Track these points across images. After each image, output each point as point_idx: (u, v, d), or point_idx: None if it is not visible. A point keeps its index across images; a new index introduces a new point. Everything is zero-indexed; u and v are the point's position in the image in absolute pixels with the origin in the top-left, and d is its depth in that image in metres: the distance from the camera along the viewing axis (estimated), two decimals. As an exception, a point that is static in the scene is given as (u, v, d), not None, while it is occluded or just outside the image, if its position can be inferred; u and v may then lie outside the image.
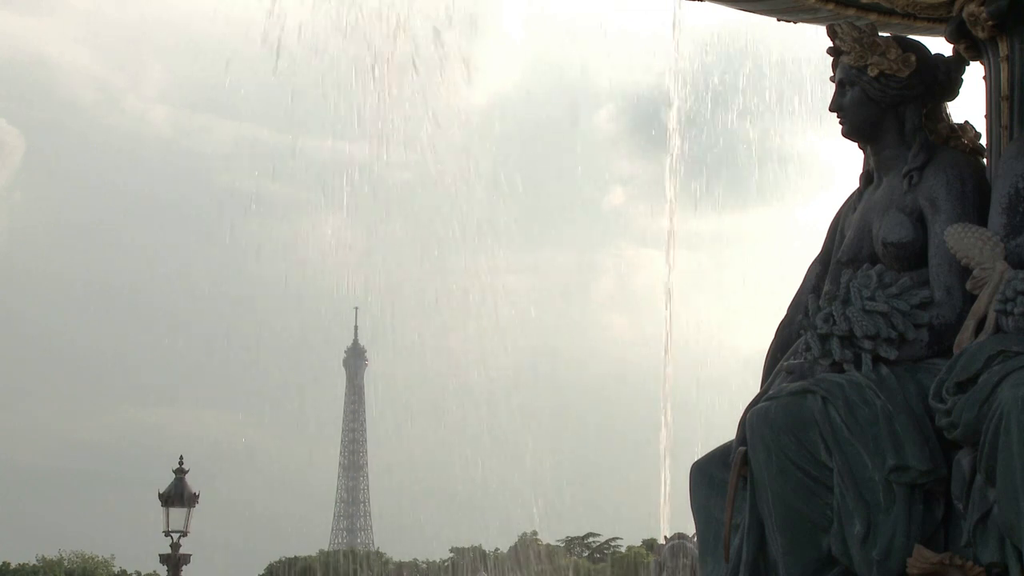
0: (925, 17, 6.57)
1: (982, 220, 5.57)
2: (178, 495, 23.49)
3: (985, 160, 6.02)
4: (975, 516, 5.06)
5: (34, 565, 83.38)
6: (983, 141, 6.08)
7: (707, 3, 7.04)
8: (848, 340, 5.47)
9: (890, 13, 6.62)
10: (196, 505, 23.77)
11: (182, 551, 23.60)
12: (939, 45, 6.21)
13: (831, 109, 6.02)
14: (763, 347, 6.14)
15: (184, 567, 23.98)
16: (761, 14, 7.18)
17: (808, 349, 5.59)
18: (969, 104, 6.22)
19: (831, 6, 6.67)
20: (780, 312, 6.16)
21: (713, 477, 5.82)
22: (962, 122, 6.09)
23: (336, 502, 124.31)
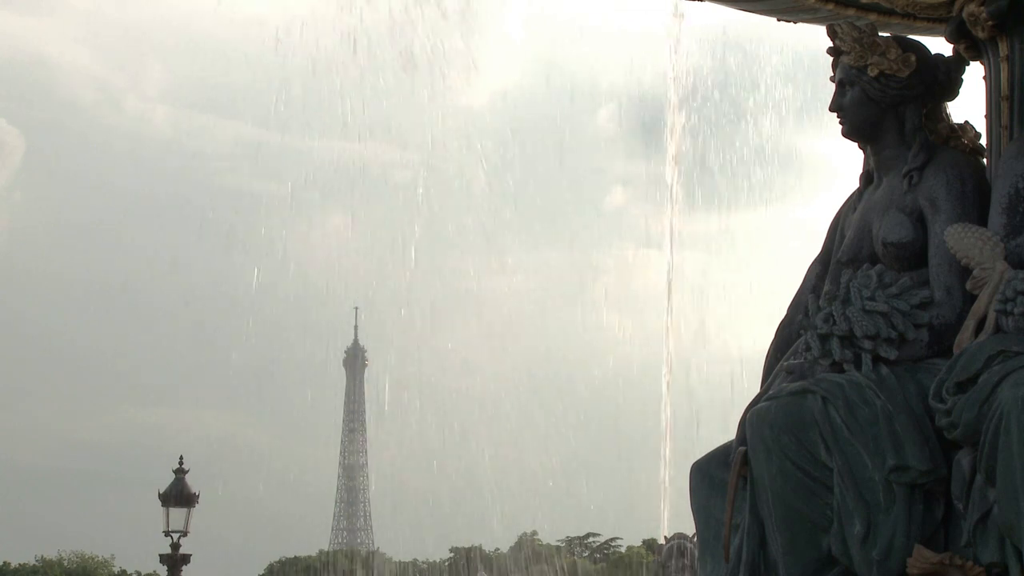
0: (925, 17, 6.57)
1: (982, 220, 5.57)
2: (178, 495, 23.49)
3: (985, 160, 6.03)
4: (975, 516, 5.06)
5: (33, 565, 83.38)
6: (983, 141, 6.09)
7: (707, 3, 7.04)
8: (848, 340, 5.47)
9: (890, 13, 6.62)
10: (196, 505, 23.77)
11: (182, 551, 23.60)
12: (939, 45, 6.21)
13: (831, 109, 6.02)
14: (763, 347, 6.14)
15: (184, 567, 23.98)
16: (761, 14, 7.18)
17: (808, 349, 5.59)
18: (969, 104, 6.23)
19: (831, 6, 6.67)
20: (780, 312, 6.16)
21: (713, 477, 5.82)
22: (962, 122, 6.09)
23: (336, 502, 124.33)
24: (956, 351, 5.30)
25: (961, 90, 6.11)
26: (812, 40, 7.12)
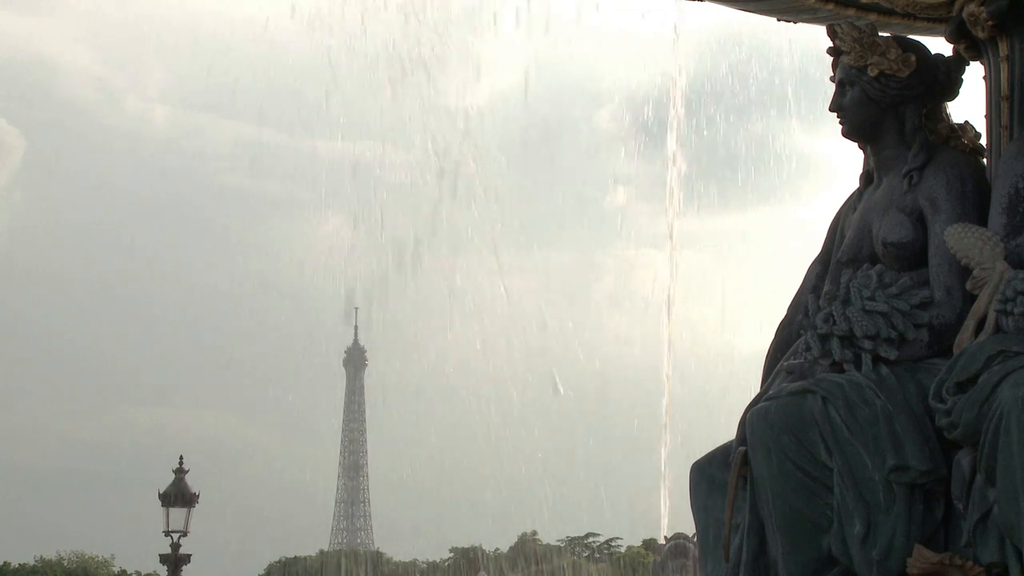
0: (925, 17, 6.57)
1: (982, 220, 5.57)
2: (178, 495, 23.50)
3: (985, 160, 6.03)
4: (975, 516, 5.06)
5: (33, 566, 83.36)
6: (983, 141, 6.09)
7: (707, 3, 7.04)
8: (848, 340, 5.47)
9: (890, 13, 6.62)
10: (196, 505, 23.78)
11: (182, 551, 23.60)
12: (939, 45, 6.21)
13: (831, 109, 6.02)
14: (763, 347, 6.14)
15: (184, 567, 23.98)
16: (761, 14, 7.18)
17: (808, 349, 5.59)
18: (969, 104, 6.22)
19: (831, 6, 6.67)
20: (780, 312, 6.16)
21: (713, 477, 5.82)
22: (962, 122, 6.09)
23: (336, 502, 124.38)
24: (956, 351, 5.30)
25: (961, 90, 6.11)
26: (812, 40, 7.13)
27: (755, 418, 5.47)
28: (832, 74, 6.05)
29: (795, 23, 7.17)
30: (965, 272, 5.46)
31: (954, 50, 6.22)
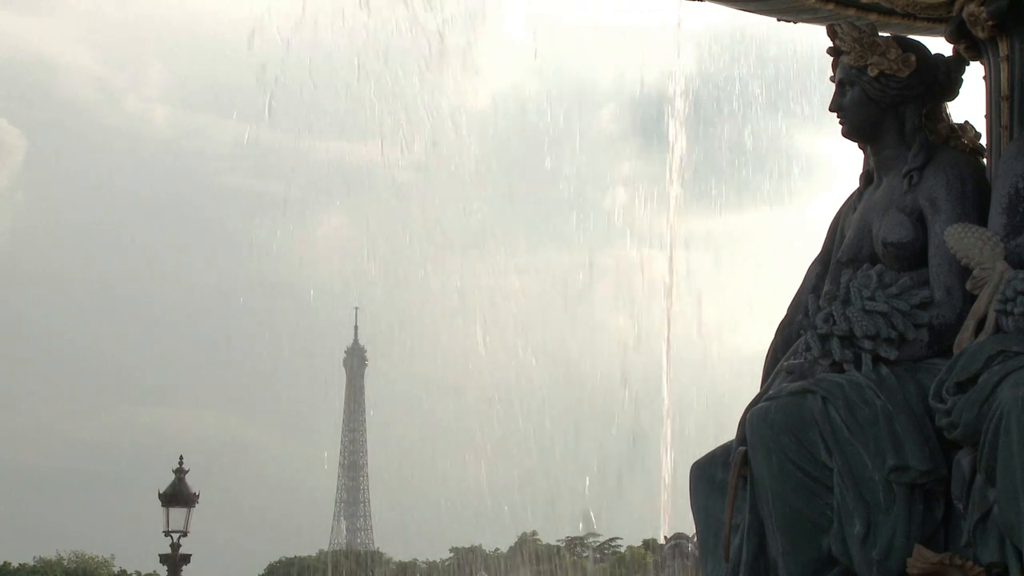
0: (925, 17, 6.57)
1: (982, 220, 5.57)
2: (178, 495, 23.50)
3: (985, 160, 6.02)
4: (975, 516, 5.06)
5: (33, 566, 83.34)
6: (983, 141, 6.08)
7: (707, 3, 7.04)
8: (848, 340, 5.46)
9: (890, 13, 6.62)
10: (196, 505, 23.77)
11: (182, 551, 23.60)
12: (939, 45, 6.21)
13: (831, 109, 6.02)
14: (763, 347, 6.14)
15: (184, 567, 23.98)
16: (761, 14, 7.18)
17: (808, 349, 5.59)
18: (969, 104, 6.22)
19: (831, 6, 6.67)
20: (780, 312, 6.16)
21: (713, 477, 5.82)
22: (962, 122, 6.08)
23: (336, 502, 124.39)
24: (956, 351, 5.30)
25: (961, 90, 6.10)
26: (813, 40, 7.12)
27: (755, 418, 5.47)
28: (832, 74, 6.04)
29: (795, 23, 7.16)
30: (965, 272, 5.45)
31: (954, 50, 6.22)
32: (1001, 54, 6.04)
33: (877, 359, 5.44)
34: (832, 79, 6.04)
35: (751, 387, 5.98)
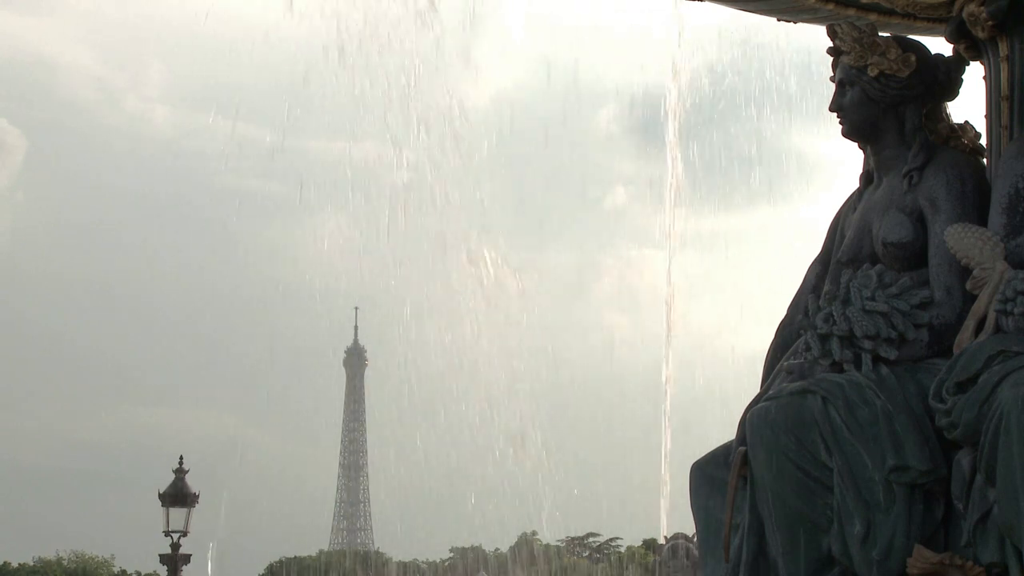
0: (925, 17, 6.57)
1: (982, 220, 5.57)
2: (178, 495, 23.49)
3: (985, 160, 6.03)
4: (975, 516, 5.06)
5: (32, 566, 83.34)
6: (983, 141, 6.09)
7: (707, 3, 7.04)
8: (848, 340, 5.47)
9: (890, 13, 6.62)
10: (196, 505, 23.77)
11: (182, 551, 23.60)
12: (939, 45, 6.21)
13: (831, 109, 6.02)
14: (763, 347, 6.14)
15: (184, 567, 23.98)
16: (761, 14, 7.18)
17: (808, 349, 5.59)
18: (969, 104, 6.22)
19: (831, 6, 6.67)
20: (780, 312, 6.16)
21: (713, 477, 5.82)
22: (962, 122, 6.09)
23: (336, 502, 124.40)
24: (956, 351, 5.30)
25: (961, 90, 6.10)
26: (813, 40, 7.12)
27: (755, 418, 5.47)
28: (832, 74, 6.05)
29: (795, 23, 7.17)
30: (965, 272, 5.46)
31: (954, 50, 6.22)
32: (1001, 54, 6.04)
33: (877, 359, 5.45)
34: (832, 79, 6.04)
35: (751, 387, 5.98)
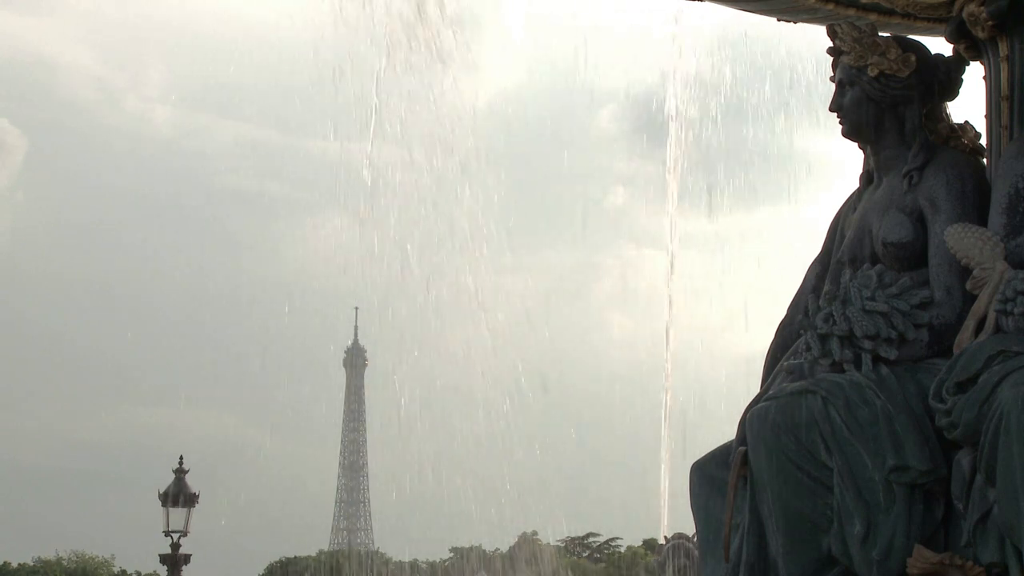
0: (925, 17, 6.57)
1: (982, 220, 5.57)
2: (178, 495, 23.50)
3: (985, 160, 6.03)
4: (975, 516, 5.06)
5: (32, 566, 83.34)
6: (983, 141, 6.09)
7: (707, 3, 7.04)
8: (848, 340, 5.47)
9: (890, 13, 6.62)
10: (196, 505, 23.78)
11: (182, 551, 23.60)
12: (939, 45, 6.21)
13: (831, 109, 6.02)
14: (763, 347, 6.14)
15: (184, 567, 23.98)
16: (761, 14, 7.18)
17: (808, 349, 5.59)
18: (969, 104, 6.22)
19: (831, 6, 6.67)
20: (780, 312, 6.16)
21: (713, 477, 5.82)
22: (962, 122, 6.09)
23: (336, 502, 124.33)
24: (956, 351, 5.30)
25: (961, 90, 6.10)
26: (812, 40, 7.12)
27: (755, 418, 5.47)
28: (832, 74, 6.05)
29: (795, 23, 7.17)
30: (965, 272, 5.46)
31: (954, 50, 6.22)
32: (1001, 54, 6.04)
33: (877, 359, 5.45)
34: (832, 79, 6.04)
35: (751, 387, 5.98)
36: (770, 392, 5.64)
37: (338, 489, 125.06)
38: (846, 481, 5.26)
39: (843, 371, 5.46)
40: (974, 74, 6.20)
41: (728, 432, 5.83)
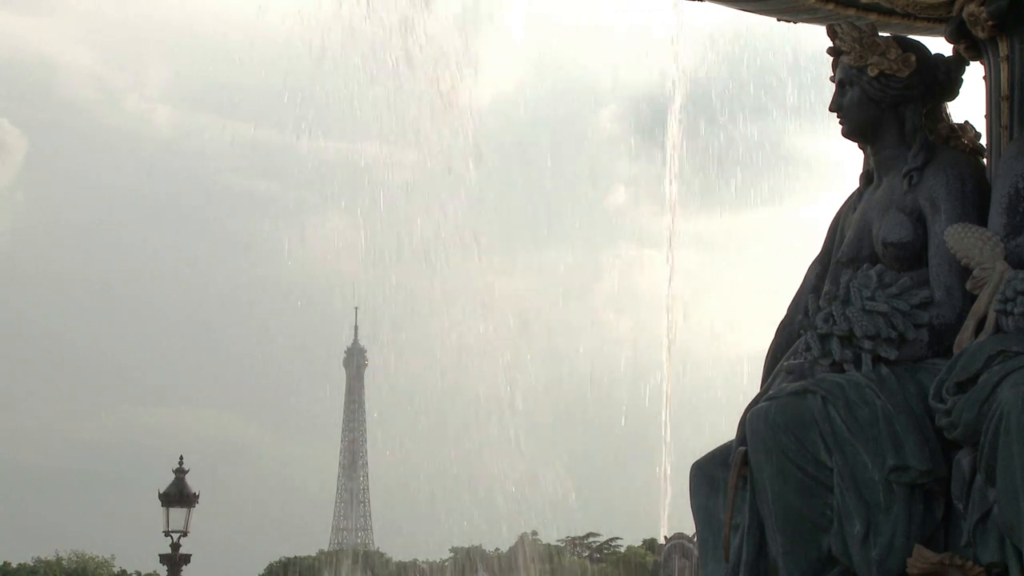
0: (925, 17, 6.57)
1: (982, 220, 5.57)
2: (178, 495, 23.49)
3: (985, 160, 6.03)
4: (975, 516, 5.06)
5: (32, 566, 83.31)
6: (983, 141, 6.08)
7: (707, 3, 7.04)
8: (848, 340, 5.47)
9: (890, 13, 6.62)
10: (196, 505, 23.77)
11: (182, 551, 23.60)
12: (939, 45, 6.21)
13: (831, 109, 6.02)
14: (763, 347, 6.14)
15: (184, 567, 23.98)
16: (761, 14, 7.18)
17: (808, 349, 5.59)
18: (969, 104, 6.22)
19: (831, 6, 6.67)
20: (780, 312, 6.16)
21: (713, 477, 5.82)
22: (962, 122, 6.09)
23: (336, 502, 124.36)
24: (956, 351, 5.30)
25: (961, 90, 6.10)
26: (812, 40, 7.12)
27: (755, 418, 5.47)
28: (832, 74, 6.05)
29: (795, 23, 7.16)
30: (965, 272, 5.46)
31: (954, 50, 6.22)
32: (1001, 54, 6.04)
33: (877, 359, 5.45)
34: (832, 79, 6.04)
35: (751, 387, 5.98)
36: (770, 392, 5.63)
37: (338, 489, 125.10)
38: (846, 481, 5.26)
39: (843, 371, 5.46)
40: (974, 74, 6.20)
41: (728, 432, 5.83)
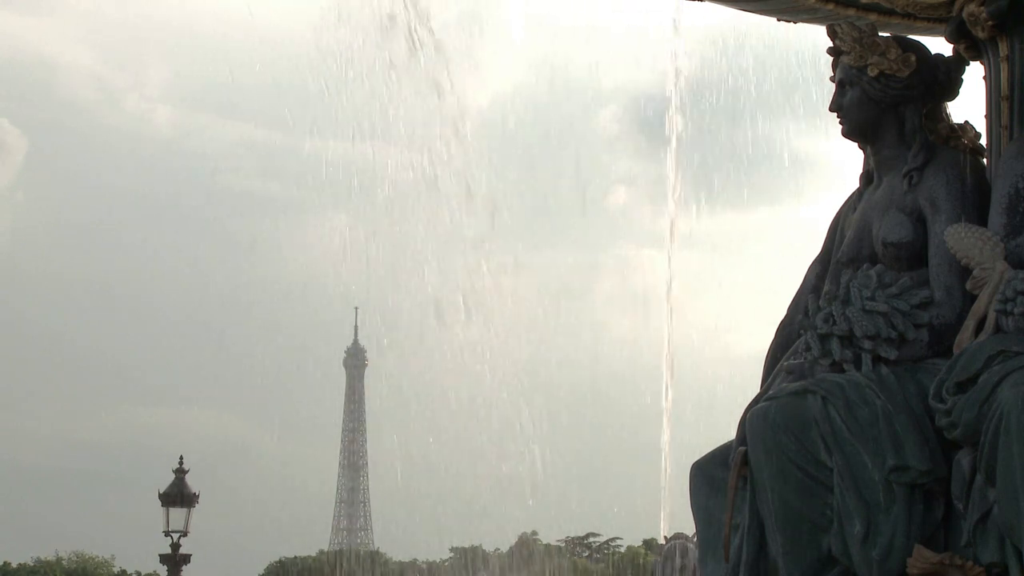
0: (925, 17, 6.57)
1: (982, 220, 5.57)
2: (178, 495, 23.49)
3: (985, 160, 6.03)
4: (975, 516, 5.06)
5: (32, 566, 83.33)
6: (983, 141, 6.08)
7: (707, 3, 7.04)
8: (848, 340, 5.47)
9: (890, 13, 6.62)
10: (196, 505, 23.77)
11: (182, 551, 23.60)
12: (939, 45, 6.21)
13: (831, 109, 6.02)
14: (763, 347, 6.14)
15: (184, 567, 23.98)
16: (761, 14, 7.18)
17: (808, 349, 5.59)
18: (969, 104, 6.22)
19: (831, 6, 6.67)
20: (780, 312, 6.16)
21: (713, 477, 5.82)
22: (962, 122, 6.09)
23: (336, 502, 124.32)
24: (956, 351, 5.30)
25: (961, 90, 6.10)
26: (813, 40, 7.12)
27: (755, 418, 5.47)
28: (832, 74, 6.05)
29: (795, 23, 7.16)
30: (965, 272, 5.46)
31: (954, 50, 6.22)
32: (1001, 54, 6.04)
33: (877, 359, 5.45)
34: (832, 79, 6.04)
35: (751, 387, 5.98)
36: (770, 392, 5.64)
37: (338, 489, 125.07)
38: (846, 481, 5.26)
39: (843, 371, 5.46)
40: (974, 74, 6.20)
41: (728, 432, 5.83)
